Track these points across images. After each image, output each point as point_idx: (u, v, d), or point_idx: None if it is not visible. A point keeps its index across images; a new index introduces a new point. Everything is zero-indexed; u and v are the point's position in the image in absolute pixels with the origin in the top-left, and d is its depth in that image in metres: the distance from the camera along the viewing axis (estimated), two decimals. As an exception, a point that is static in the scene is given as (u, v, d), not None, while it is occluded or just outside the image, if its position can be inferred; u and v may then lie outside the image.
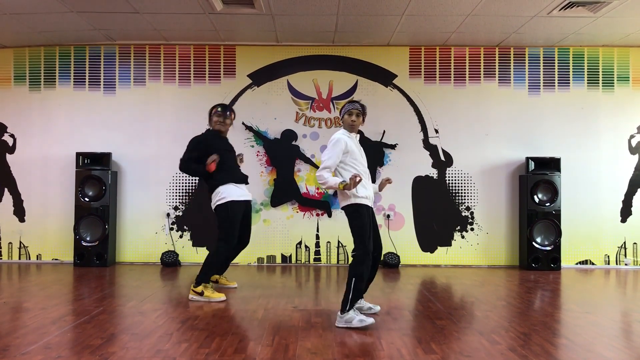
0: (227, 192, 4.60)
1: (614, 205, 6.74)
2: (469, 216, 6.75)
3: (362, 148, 4.02)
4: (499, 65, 6.82)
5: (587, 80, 6.80)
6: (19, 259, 6.75)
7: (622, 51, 6.78)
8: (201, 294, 4.49)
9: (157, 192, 6.72)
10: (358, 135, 4.03)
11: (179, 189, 6.72)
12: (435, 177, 6.75)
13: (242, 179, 4.83)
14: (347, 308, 3.65)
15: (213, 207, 4.65)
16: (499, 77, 6.81)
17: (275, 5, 5.49)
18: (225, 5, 5.53)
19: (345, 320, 3.65)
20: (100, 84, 6.80)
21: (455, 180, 6.76)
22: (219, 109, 4.84)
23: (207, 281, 4.59)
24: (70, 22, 5.97)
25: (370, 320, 3.64)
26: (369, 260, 3.70)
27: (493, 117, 6.79)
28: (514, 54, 6.81)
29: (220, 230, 4.60)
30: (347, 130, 3.92)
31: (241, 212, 4.69)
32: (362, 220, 3.71)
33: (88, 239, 6.37)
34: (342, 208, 3.82)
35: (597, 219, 6.72)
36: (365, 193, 3.77)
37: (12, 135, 6.79)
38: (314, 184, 6.72)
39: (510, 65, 6.82)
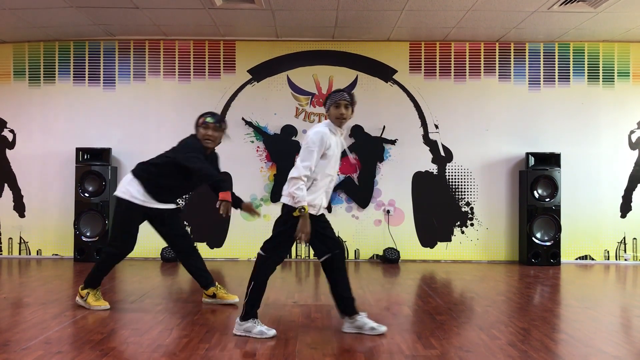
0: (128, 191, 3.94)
1: (614, 201, 6.74)
2: (469, 211, 6.74)
3: (344, 146, 3.52)
4: (499, 61, 6.80)
5: (588, 75, 6.78)
6: (19, 254, 6.75)
7: (623, 46, 6.76)
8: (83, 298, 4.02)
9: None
10: (344, 132, 3.46)
11: (179, 185, 6.71)
12: (435, 173, 6.74)
13: (168, 200, 4.04)
14: (245, 315, 3.30)
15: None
16: (499, 72, 6.80)
17: (275, 0, 5.47)
18: (225, 1, 5.51)
19: (244, 329, 3.29)
20: (99, 80, 6.78)
21: (455, 175, 6.76)
22: (208, 119, 3.91)
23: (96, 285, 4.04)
24: (70, 17, 5.95)
25: (272, 332, 3.27)
26: (274, 266, 3.41)
27: (493, 113, 6.78)
28: (514, 49, 6.80)
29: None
30: (333, 125, 3.34)
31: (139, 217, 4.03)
32: (285, 226, 3.33)
33: (88, 234, 6.37)
34: (283, 203, 3.35)
35: (597, 214, 6.72)
36: (315, 202, 3.30)
37: (11, 131, 6.78)
38: (313, 180, 6.70)
39: (510, 61, 6.80)
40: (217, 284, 4.26)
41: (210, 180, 3.86)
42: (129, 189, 3.94)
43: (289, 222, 3.27)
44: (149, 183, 3.93)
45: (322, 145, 3.23)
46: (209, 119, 3.92)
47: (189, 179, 3.97)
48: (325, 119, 3.40)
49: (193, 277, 4.28)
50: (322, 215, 3.46)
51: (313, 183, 3.27)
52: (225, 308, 4.11)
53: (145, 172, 3.97)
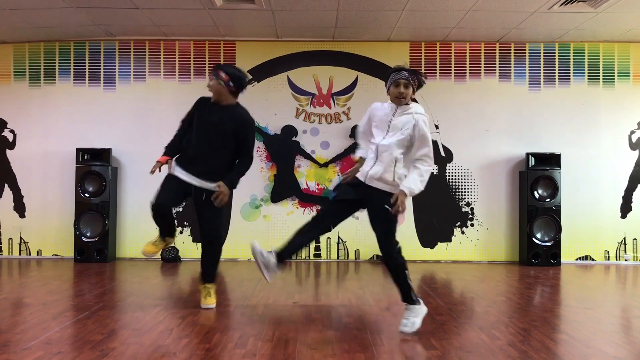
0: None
1: (614, 201, 6.74)
2: (469, 212, 6.74)
3: (406, 123, 3.41)
4: (499, 61, 6.80)
5: (588, 75, 6.78)
6: (19, 254, 6.75)
7: (623, 47, 6.76)
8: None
9: (157, 188, 6.69)
10: (408, 106, 3.43)
11: (179, 185, 6.71)
12: (435, 173, 6.74)
13: (189, 160, 3.98)
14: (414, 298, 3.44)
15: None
16: (499, 72, 6.80)
17: (275, 0, 5.47)
18: (225, 1, 5.51)
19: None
20: (100, 80, 6.78)
21: (455, 175, 6.75)
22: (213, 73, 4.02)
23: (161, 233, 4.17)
24: (70, 17, 5.95)
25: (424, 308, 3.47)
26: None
27: (493, 113, 6.78)
28: (514, 50, 6.80)
29: None
30: (392, 103, 3.45)
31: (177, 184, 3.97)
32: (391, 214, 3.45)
33: (88, 234, 6.37)
34: (384, 191, 3.38)
35: (597, 214, 6.72)
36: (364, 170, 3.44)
37: (12, 131, 6.78)
38: (314, 180, 6.72)
39: (510, 61, 6.80)
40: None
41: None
42: None
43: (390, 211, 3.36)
44: None
45: (368, 110, 3.57)
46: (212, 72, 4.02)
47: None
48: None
49: None
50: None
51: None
52: (224, 309, 4.10)
53: None
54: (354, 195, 3.47)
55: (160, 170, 4.01)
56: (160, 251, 4.25)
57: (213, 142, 3.95)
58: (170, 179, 4.02)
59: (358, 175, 3.46)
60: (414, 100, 3.53)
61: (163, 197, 3.99)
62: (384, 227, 3.47)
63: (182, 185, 3.98)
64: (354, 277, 5.61)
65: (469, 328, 3.61)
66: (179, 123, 4.15)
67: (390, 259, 3.46)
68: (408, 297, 3.46)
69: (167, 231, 4.17)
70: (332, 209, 3.68)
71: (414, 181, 3.33)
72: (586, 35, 6.53)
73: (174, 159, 4.05)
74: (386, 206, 3.34)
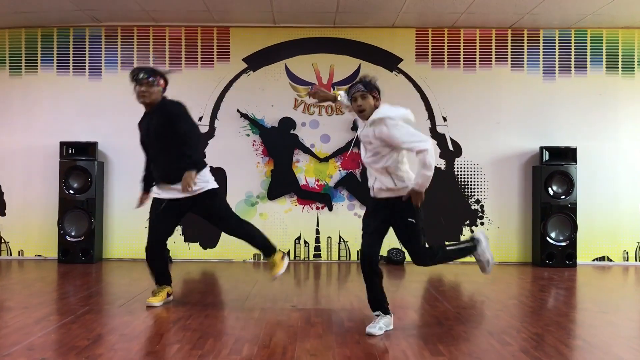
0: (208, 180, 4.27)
1: (634, 199, 6.74)
2: (479, 210, 6.75)
3: (367, 135, 3.55)
4: (511, 49, 6.80)
5: (606, 64, 6.78)
6: (0, 255, 6.76)
7: (644, 33, 6.76)
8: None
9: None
10: (370, 119, 3.51)
11: (170, 181, 6.72)
12: (443, 168, 6.75)
13: (158, 178, 4.26)
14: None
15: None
16: (511, 61, 6.79)
17: (272, -17, 5.47)
18: (219, -16, 5.51)
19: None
20: (85, 69, 6.78)
21: (464, 171, 6.76)
22: (140, 75, 4.24)
23: (158, 282, 4.37)
24: (53, 2, 5.94)
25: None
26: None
27: (505, 104, 6.77)
28: (527, 37, 6.79)
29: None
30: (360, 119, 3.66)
31: (155, 209, 4.26)
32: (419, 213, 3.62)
33: (73, 233, 6.37)
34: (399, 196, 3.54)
35: (615, 212, 6.72)
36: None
37: (-9, 124, 6.78)
38: (313, 176, 6.72)
39: (523, 49, 6.79)
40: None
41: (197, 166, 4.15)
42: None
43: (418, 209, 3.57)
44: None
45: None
46: (141, 75, 4.23)
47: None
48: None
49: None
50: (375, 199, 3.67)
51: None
52: (218, 312, 4.11)
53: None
54: (379, 223, 3.61)
55: (144, 204, 4.42)
56: (165, 300, 4.34)
57: (160, 149, 4.22)
58: (154, 210, 4.27)
59: (372, 193, 3.66)
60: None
61: (154, 234, 4.26)
62: (409, 236, 3.62)
63: (168, 209, 4.21)
64: (356, 279, 5.62)
65: (478, 333, 3.62)
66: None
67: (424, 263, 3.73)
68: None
69: (162, 277, 4.37)
70: (369, 240, 3.64)
71: (419, 175, 3.44)
72: (604, 21, 6.52)
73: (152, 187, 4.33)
74: (409, 219, 3.54)
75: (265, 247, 4.42)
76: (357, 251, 6.70)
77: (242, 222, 4.43)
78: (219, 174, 6.46)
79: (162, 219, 4.25)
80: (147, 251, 4.29)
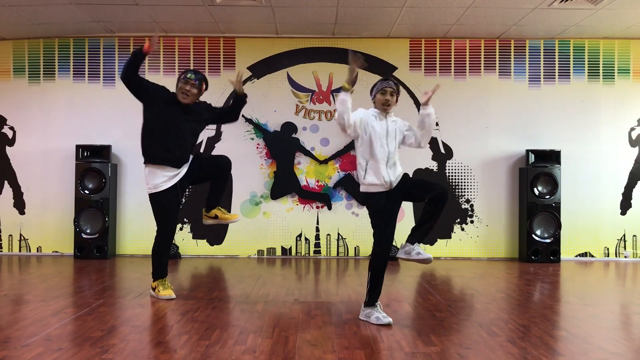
0: (152, 182, 4.20)
1: (614, 198, 6.74)
2: (469, 209, 6.75)
3: (395, 130, 3.68)
4: (499, 58, 6.79)
5: (588, 72, 6.78)
6: (19, 251, 6.76)
7: (623, 43, 6.75)
8: (154, 289, 4.31)
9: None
10: (390, 117, 3.68)
11: (179, 182, 6.71)
12: (435, 170, 6.74)
13: (169, 159, 4.18)
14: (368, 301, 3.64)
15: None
16: (499, 69, 6.79)
17: (275, -3, 5.46)
18: (225, -3, 5.51)
19: (365, 314, 3.64)
20: (99, 77, 6.78)
21: (455, 172, 6.75)
22: (188, 75, 4.20)
23: (162, 275, 4.32)
24: (69, 14, 5.94)
25: (388, 320, 3.52)
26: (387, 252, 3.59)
27: (493, 110, 6.77)
28: (514, 46, 6.79)
29: (156, 220, 4.30)
30: (377, 110, 3.66)
31: (172, 196, 4.22)
32: (372, 209, 3.62)
33: (88, 231, 6.37)
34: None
35: (597, 211, 6.72)
36: (375, 182, 3.56)
37: (11, 128, 6.78)
38: (313, 177, 6.72)
39: (510, 58, 6.79)
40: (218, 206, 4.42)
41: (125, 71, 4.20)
42: None
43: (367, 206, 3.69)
44: None
45: (357, 113, 3.65)
46: (190, 75, 4.21)
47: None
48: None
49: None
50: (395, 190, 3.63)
51: (368, 165, 3.59)
52: (224, 305, 4.11)
53: None
54: (395, 208, 3.66)
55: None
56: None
57: (184, 139, 4.32)
58: (169, 201, 4.27)
59: (379, 189, 3.59)
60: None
61: (173, 226, 4.41)
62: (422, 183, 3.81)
63: (176, 195, 4.30)
64: (354, 274, 5.62)
65: (468, 324, 3.61)
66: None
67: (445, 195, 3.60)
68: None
69: (165, 268, 4.39)
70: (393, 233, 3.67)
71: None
72: (586, 32, 6.52)
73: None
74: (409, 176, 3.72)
75: (219, 199, 4.44)
76: (355, 247, 6.70)
77: (155, 239, 4.37)
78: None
79: (177, 207, 4.34)
80: (165, 244, 4.31)
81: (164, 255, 4.35)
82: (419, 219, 3.71)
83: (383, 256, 3.58)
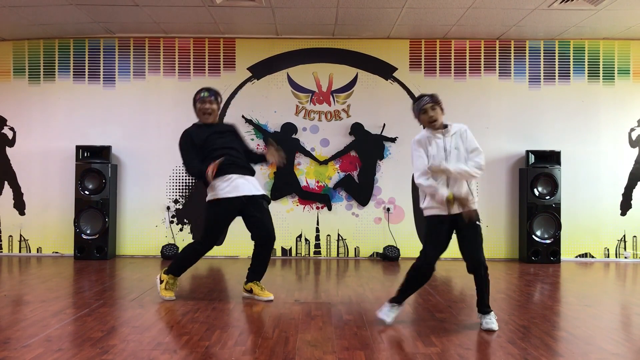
0: (214, 189, 4.13)
1: (614, 199, 6.74)
2: (469, 209, 6.73)
3: (457, 142, 3.54)
4: (499, 58, 6.79)
5: (588, 73, 6.78)
6: (19, 252, 6.76)
7: (623, 44, 6.75)
8: (162, 281, 4.28)
9: (157, 185, 6.72)
10: (450, 131, 3.52)
11: (179, 182, 6.71)
12: (435, 171, 6.73)
13: (238, 169, 4.18)
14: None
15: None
16: (499, 70, 6.79)
17: (275, -3, 5.46)
18: (225, -2, 5.51)
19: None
20: (99, 77, 6.78)
21: (455, 173, 6.74)
22: (202, 94, 4.18)
23: (176, 274, 4.29)
24: (70, 14, 5.94)
25: (386, 318, 3.58)
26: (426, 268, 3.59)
27: (493, 111, 6.77)
28: (514, 47, 6.79)
29: (204, 228, 4.29)
30: (429, 130, 3.53)
31: (230, 210, 4.21)
32: (427, 229, 3.61)
33: (88, 232, 6.37)
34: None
35: (597, 212, 6.72)
36: (431, 203, 3.50)
37: (11, 128, 6.78)
38: (313, 177, 6.71)
39: (510, 58, 6.79)
40: (257, 282, 4.37)
41: (197, 177, 4.22)
42: None
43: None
44: None
45: (414, 145, 3.54)
46: (204, 94, 4.19)
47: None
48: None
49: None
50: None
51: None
52: (224, 306, 4.11)
53: None
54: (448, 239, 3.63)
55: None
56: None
57: (238, 152, 4.43)
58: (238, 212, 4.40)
59: (440, 211, 3.49)
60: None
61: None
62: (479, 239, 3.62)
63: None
64: (354, 275, 5.61)
65: (468, 325, 3.61)
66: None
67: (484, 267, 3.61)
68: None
69: (183, 272, 4.41)
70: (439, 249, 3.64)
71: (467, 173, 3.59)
72: (586, 33, 6.52)
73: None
74: (477, 222, 3.54)
75: (263, 272, 4.43)
76: (355, 248, 6.69)
77: (194, 243, 4.48)
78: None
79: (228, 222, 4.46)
80: (199, 255, 4.38)
81: (191, 263, 4.38)
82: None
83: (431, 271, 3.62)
